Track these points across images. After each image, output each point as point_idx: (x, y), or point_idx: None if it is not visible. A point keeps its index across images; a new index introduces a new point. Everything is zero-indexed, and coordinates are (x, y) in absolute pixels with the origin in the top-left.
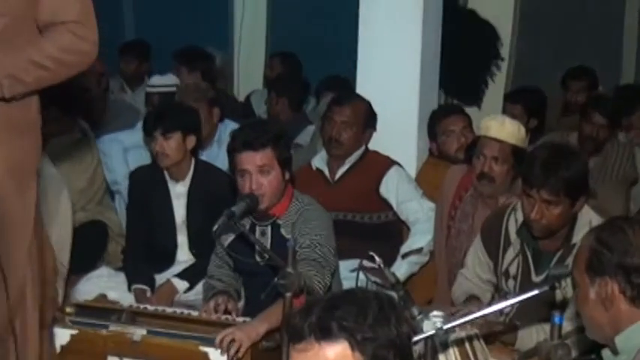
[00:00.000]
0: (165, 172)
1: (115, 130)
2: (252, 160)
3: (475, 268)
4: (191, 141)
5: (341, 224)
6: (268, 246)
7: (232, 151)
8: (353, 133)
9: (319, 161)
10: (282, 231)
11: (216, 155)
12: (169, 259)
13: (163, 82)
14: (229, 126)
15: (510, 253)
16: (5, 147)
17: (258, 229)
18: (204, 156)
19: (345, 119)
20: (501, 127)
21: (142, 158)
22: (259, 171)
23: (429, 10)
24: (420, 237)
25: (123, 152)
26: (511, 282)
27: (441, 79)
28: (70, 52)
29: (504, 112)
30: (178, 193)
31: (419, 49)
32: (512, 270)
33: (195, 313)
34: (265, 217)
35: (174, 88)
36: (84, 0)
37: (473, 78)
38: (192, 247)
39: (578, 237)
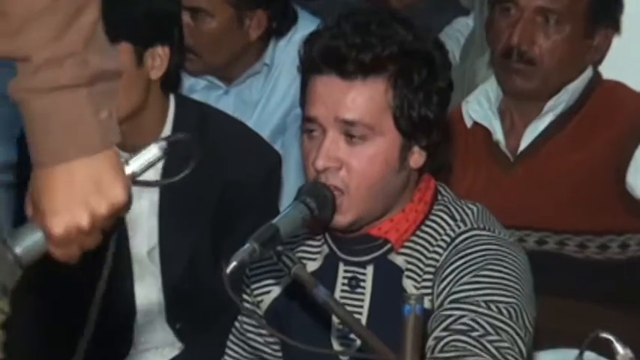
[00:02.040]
0: None
1: None
2: (336, 99)
3: None
4: (160, 59)
5: (534, 261)
6: (365, 312)
7: (304, 73)
8: (562, 38)
9: (481, 107)
10: (406, 282)
11: (265, 99)
12: (121, 340)
13: None
14: (303, 28)
15: None
16: None
17: (343, 269)
18: (231, 96)
19: (541, 4)
20: None
21: None
22: (345, 130)
23: None
24: None
25: None
26: None
27: None
28: None
29: None
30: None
31: None
32: None
33: None
34: (365, 243)
35: None
36: None
37: None
38: (175, 314)
39: None
